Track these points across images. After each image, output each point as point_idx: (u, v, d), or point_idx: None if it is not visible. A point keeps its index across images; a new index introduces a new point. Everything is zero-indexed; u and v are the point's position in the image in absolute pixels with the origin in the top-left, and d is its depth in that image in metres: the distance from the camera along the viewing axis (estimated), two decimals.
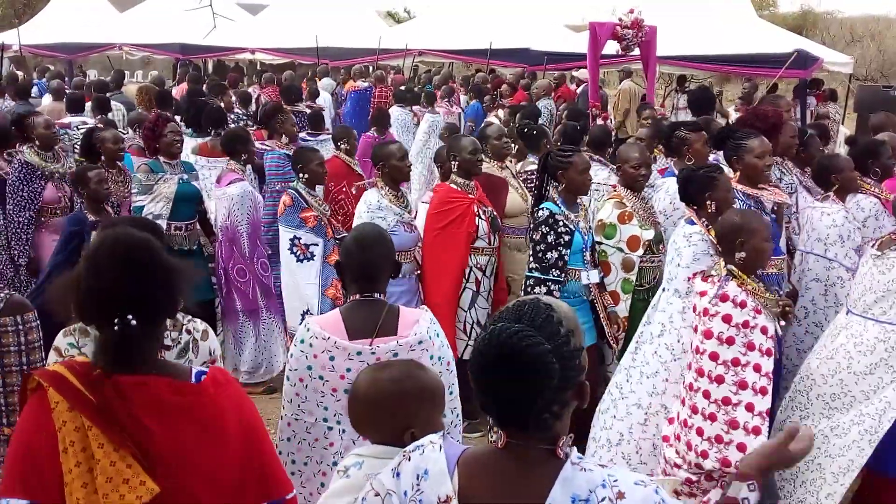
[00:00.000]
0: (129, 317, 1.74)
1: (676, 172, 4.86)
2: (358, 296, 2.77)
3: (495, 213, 4.97)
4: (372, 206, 4.72)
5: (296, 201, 4.94)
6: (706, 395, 3.31)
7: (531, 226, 4.29)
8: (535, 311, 1.57)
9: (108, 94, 10.15)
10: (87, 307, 1.78)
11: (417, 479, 1.60)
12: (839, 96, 14.05)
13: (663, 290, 4.00)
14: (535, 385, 1.51)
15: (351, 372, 2.64)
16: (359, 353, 2.64)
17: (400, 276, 4.53)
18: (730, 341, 3.28)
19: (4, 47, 15.14)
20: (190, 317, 2.65)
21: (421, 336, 2.69)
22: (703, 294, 3.42)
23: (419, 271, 4.89)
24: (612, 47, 9.99)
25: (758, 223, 3.46)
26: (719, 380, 3.28)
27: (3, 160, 5.91)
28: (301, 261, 4.85)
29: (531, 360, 1.50)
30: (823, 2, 29.56)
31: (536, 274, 4.28)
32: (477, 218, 4.77)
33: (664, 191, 4.85)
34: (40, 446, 1.74)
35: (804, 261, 4.62)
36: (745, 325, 3.28)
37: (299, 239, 4.87)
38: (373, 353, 2.64)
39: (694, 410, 3.35)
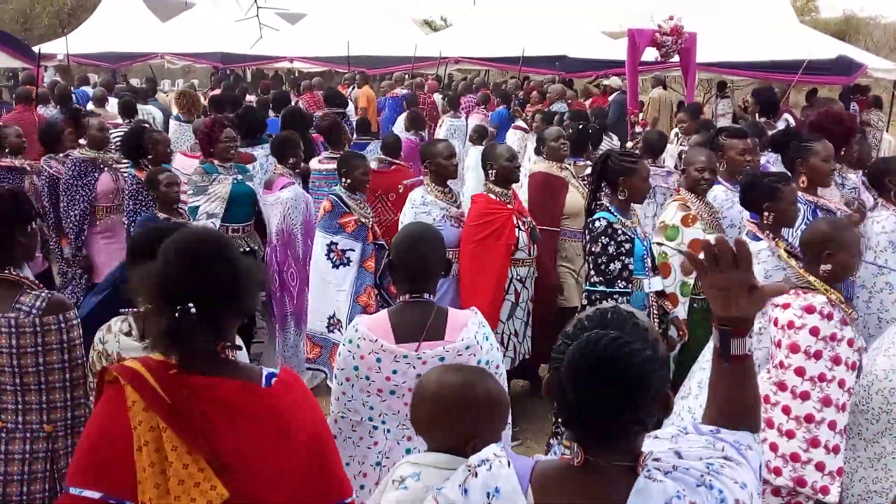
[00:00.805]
0: (190, 305, 1.77)
1: (721, 179, 4.79)
2: (407, 296, 2.75)
3: (534, 223, 4.90)
4: (416, 203, 4.76)
5: (336, 206, 4.94)
6: (786, 410, 3.18)
7: (588, 236, 4.18)
8: (620, 319, 1.54)
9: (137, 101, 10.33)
10: (155, 294, 1.81)
11: (488, 497, 1.56)
12: (884, 102, 13.78)
13: None
14: (633, 394, 1.46)
15: (397, 374, 2.65)
16: (405, 357, 2.63)
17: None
18: (817, 355, 3.14)
19: (49, 57, 15.48)
20: None
21: (469, 341, 2.66)
22: (785, 306, 3.25)
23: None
24: (650, 54, 9.92)
25: (850, 237, 3.29)
26: (804, 396, 3.15)
27: (56, 161, 6.06)
28: (336, 266, 4.84)
29: (633, 368, 1.46)
30: (866, 7, 28.98)
31: (602, 288, 4.11)
32: (516, 229, 4.68)
33: (710, 198, 4.75)
34: (115, 441, 1.77)
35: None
36: (833, 337, 3.15)
37: (336, 244, 4.86)
38: (419, 357, 2.63)
39: (769, 425, 3.21)
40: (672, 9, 9.74)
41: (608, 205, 4.22)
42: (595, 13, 16.69)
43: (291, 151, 5.64)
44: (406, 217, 4.67)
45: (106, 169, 5.82)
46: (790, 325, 3.20)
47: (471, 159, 9.06)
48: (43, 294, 2.68)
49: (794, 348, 3.17)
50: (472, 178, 8.95)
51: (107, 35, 19.31)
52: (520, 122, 10.21)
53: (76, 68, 18.34)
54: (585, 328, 1.54)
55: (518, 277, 4.76)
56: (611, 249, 4.09)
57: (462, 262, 4.77)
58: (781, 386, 3.20)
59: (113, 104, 10.31)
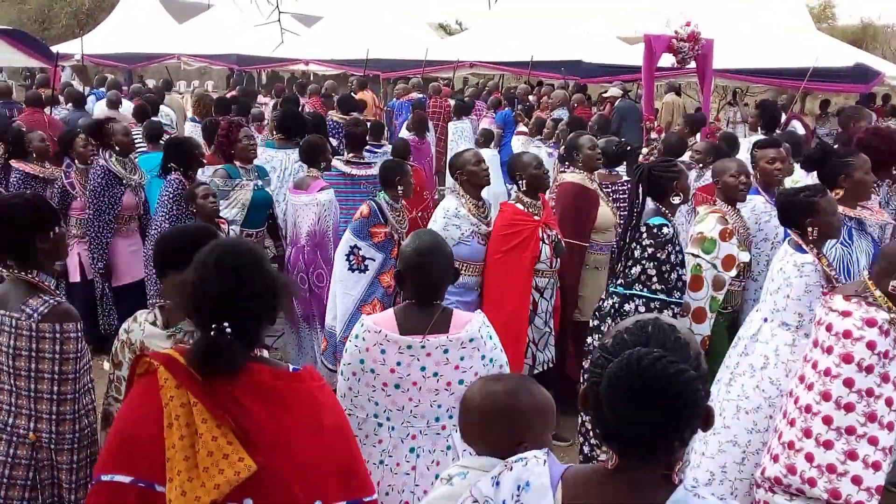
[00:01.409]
0: (225, 324, 1.81)
1: (759, 190, 4.71)
2: (414, 301, 2.81)
3: (562, 229, 4.85)
4: (449, 213, 4.63)
5: (373, 214, 4.83)
6: (827, 420, 3.11)
7: (652, 241, 4.07)
8: (662, 334, 1.52)
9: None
10: (192, 309, 1.86)
11: (518, 489, 1.57)
12: None
13: (764, 320, 3.78)
14: (676, 415, 1.43)
15: (401, 366, 2.68)
16: (409, 347, 2.68)
17: (465, 288, 4.55)
18: (869, 369, 3.06)
19: (66, 57, 15.59)
20: None
21: (473, 334, 2.70)
22: (846, 314, 3.15)
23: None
24: (666, 60, 9.89)
25: None
26: (849, 408, 3.08)
27: (74, 172, 6.03)
28: (353, 270, 4.81)
29: (677, 388, 1.43)
30: (884, 15, 28.83)
31: (662, 296, 4.03)
32: (541, 242, 4.63)
33: (749, 209, 4.62)
34: (146, 425, 1.81)
35: None
36: (886, 355, 3.06)
37: (359, 249, 4.81)
38: (423, 346, 2.68)
39: (807, 434, 3.15)
40: (688, 14, 9.71)
41: (664, 211, 4.14)
42: (610, 18, 16.68)
43: (322, 155, 5.68)
44: (436, 225, 4.56)
45: (129, 188, 5.84)
46: (847, 334, 3.11)
47: None
48: (51, 301, 2.63)
49: (847, 358, 3.10)
50: None
51: (123, 36, 19.47)
52: (522, 128, 10.25)
53: (92, 69, 18.49)
54: (626, 343, 1.51)
55: (537, 287, 4.71)
56: (673, 258, 4.05)
57: (487, 272, 4.71)
58: (826, 396, 3.12)
59: (126, 106, 10.38)
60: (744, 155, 7.02)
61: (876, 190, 4.64)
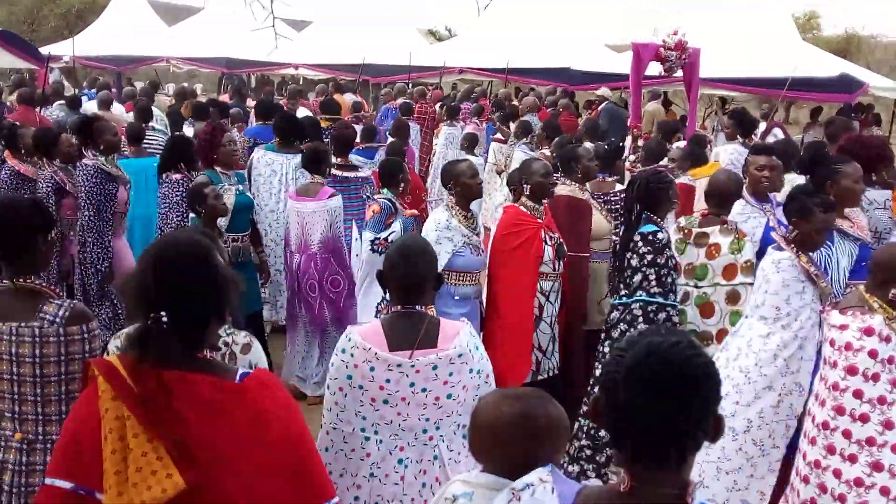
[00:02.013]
0: (162, 314, 1.81)
1: (744, 193, 4.82)
2: (400, 307, 2.78)
3: (562, 239, 4.90)
4: (440, 226, 4.59)
5: (385, 209, 5.08)
6: (846, 434, 3.12)
7: (650, 248, 4.19)
8: (675, 331, 1.54)
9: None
10: (133, 299, 1.86)
11: None
12: (883, 121, 13.87)
13: (746, 316, 3.90)
14: (692, 398, 1.44)
15: (390, 383, 2.66)
16: (399, 366, 2.65)
17: (464, 297, 4.59)
18: (875, 378, 3.08)
19: (55, 58, 15.55)
20: (233, 329, 2.68)
21: (461, 349, 2.70)
22: (843, 328, 3.19)
23: (482, 296, 4.85)
24: (654, 68, 9.99)
25: None
26: (864, 418, 3.09)
27: (63, 171, 6.00)
28: (381, 253, 4.85)
29: (695, 370, 1.44)
30: (868, 25, 29.14)
31: (659, 300, 4.15)
32: (544, 243, 4.70)
33: (736, 211, 4.72)
34: (87, 432, 1.80)
35: None
36: (891, 360, 3.08)
37: (380, 237, 4.98)
38: (412, 365, 2.65)
39: (831, 451, 3.16)
40: (675, 23, 9.81)
41: (657, 219, 4.30)
42: (598, 26, 16.78)
43: (325, 162, 5.70)
44: (428, 238, 4.47)
45: (121, 184, 5.81)
46: (848, 346, 3.14)
47: None
48: (66, 303, 2.65)
49: (851, 370, 3.12)
50: None
51: (113, 38, 19.42)
52: (498, 135, 10.35)
53: (81, 71, 18.44)
54: (646, 338, 1.51)
55: (542, 290, 4.76)
56: (669, 263, 4.20)
57: (492, 272, 4.77)
58: (840, 410, 3.14)
59: (117, 107, 10.40)
60: (724, 162, 7.18)
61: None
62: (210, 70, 20.16)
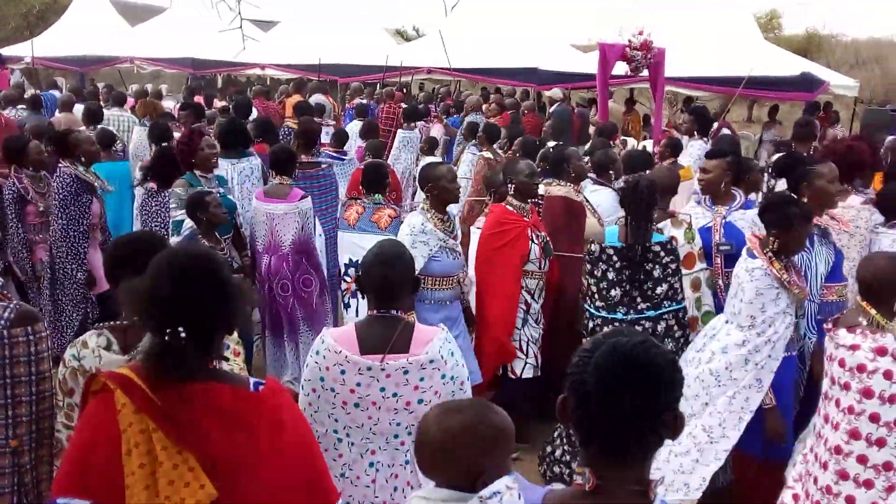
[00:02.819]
0: (180, 329, 1.79)
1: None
2: (375, 311, 2.78)
3: (556, 240, 4.93)
4: (415, 230, 4.51)
5: (367, 208, 5.22)
6: (862, 460, 3.01)
7: (672, 257, 4.21)
8: (638, 332, 1.59)
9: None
10: (147, 314, 1.82)
11: None
12: (843, 119, 14.14)
13: (725, 322, 3.91)
14: (659, 394, 1.49)
15: (361, 387, 2.67)
16: (369, 369, 2.66)
17: (443, 302, 4.56)
18: (892, 400, 2.95)
19: (16, 59, 15.31)
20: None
21: (433, 355, 2.70)
22: (854, 348, 3.06)
23: (464, 298, 4.84)
24: (620, 68, 10.09)
25: None
26: (880, 443, 2.97)
27: (28, 177, 5.90)
28: None
29: (661, 367, 1.49)
30: (828, 25, 29.67)
31: (684, 304, 4.27)
32: (530, 242, 4.72)
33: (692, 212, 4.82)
34: (102, 448, 1.78)
35: None
36: None
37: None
38: (383, 369, 2.66)
39: (843, 476, 3.05)
40: (640, 23, 9.92)
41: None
42: (564, 26, 16.90)
43: (292, 163, 5.69)
44: (403, 241, 4.48)
45: (94, 195, 5.77)
46: (861, 368, 3.03)
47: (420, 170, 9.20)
48: (11, 305, 2.58)
49: (867, 393, 3.01)
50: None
51: (75, 38, 19.15)
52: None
53: (42, 71, 18.15)
54: (611, 337, 1.55)
55: (527, 289, 4.80)
56: (672, 267, 4.26)
57: (478, 269, 4.80)
58: (854, 434, 3.04)
59: (78, 109, 10.25)
60: (690, 160, 7.30)
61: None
62: (175, 71, 19.95)
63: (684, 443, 3.83)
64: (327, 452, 2.75)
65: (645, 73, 9.95)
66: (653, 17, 11.40)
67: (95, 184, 5.75)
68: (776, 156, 6.12)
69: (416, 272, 4.29)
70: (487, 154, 8.02)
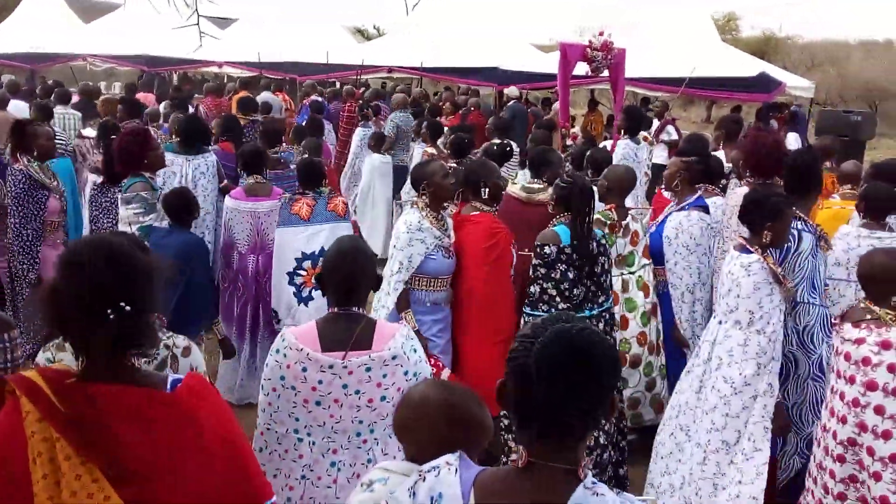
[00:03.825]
0: (122, 304, 1.73)
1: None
2: (336, 309, 2.75)
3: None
4: (412, 227, 4.39)
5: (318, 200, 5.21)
6: (870, 451, 3.04)
7: (604, 251, 4.26)
8: (576, 318, 1.62)
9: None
10: (73, 313, 1.75)
11: (431, 501, 1.61)
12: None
13: (719, 322, 3.90)
14: (597, 380, 1.53)
15: (322, 384, 2.64)
16: (331, 367, 2.63)
17: (435, 304, 4.43)
18: (895, 393, 3.01)
19: None
20: (171, 332, 2.61)
21: (395, 351, 2.68)
22: (859, 342, 3.11)
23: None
24: (581, 68, 10.11)
25: None
26: (886, 435, 3.00)
27: None
28: None
29: (604, 350, 1.54)
30: (784, 27, 30.26)
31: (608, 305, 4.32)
32: (511, 247, 4.61)
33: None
34: (12, 454, 1.71)
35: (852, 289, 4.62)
36: None
37: None
38: (345, 366, 2.63)
39: (861, 466, 3.10)
40: (598, 23, 9.96)
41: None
42: (525, 26, 16.98)
43: (263, 162, 5.68)
44: (400, 241, 4.37)
45: (52, 192, 5.62)
46: (866, 361, 3.07)
47: (367, 166, 9.23)
48: None
49: (871, 386, 3.04)
50: (364, 182, 9.15)
51: (25, 35, 18.65)
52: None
53: None
54: (549, 323, 1.59)
55: None
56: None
57: (475, 287, 4.52)
58: (862, 426, 3.08)
59: (16, 106, 9.97)
60: (617, 158, 7.38)
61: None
62: (129, 68, 19.59)
63: (725, 470, 3.77)
64: (288, 453, 2.73)
65: (605, 73, 9.97)
66: (612, 19, 11.44)
67: (50, 183, 5.61)
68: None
69: (412, 271, 4.34)
70: (431, 150, 7.98)
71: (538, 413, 1.54)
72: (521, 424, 1.59)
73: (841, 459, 3.16)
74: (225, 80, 17.87)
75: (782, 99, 14.08)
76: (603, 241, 4.25)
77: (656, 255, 4.87)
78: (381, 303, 4.39)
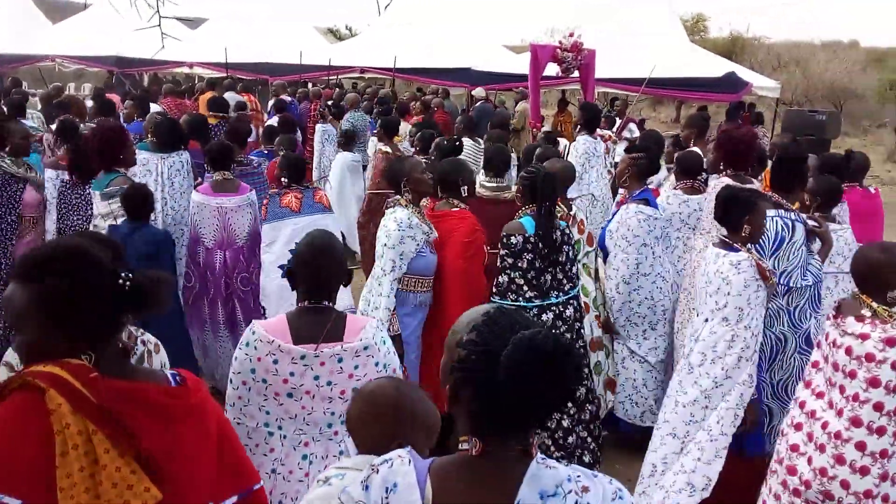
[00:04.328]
0: (123, 271, 1.76)
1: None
2: (306, 303, 2.75)
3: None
4: (403, 224, 4.32)
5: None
6: (860, 446, 3.04)
7: (567, 240, 4.35)
8: (512, 315, 1.62)
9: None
10: (95, 285, 1.75)
11: (386, 492, 1.61)
12: (766, 120, 14.58)
13: (705, 320, 3.94)
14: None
15: (294, 376, 2.64)
16: (303, 357, 2.63)
17: (420, 306, 4.43)
18: None
19: None
20: (142, 329, 2.62)
21: (367, 342, 2.70)
22: (863, 337, 3.07)
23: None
24: (551, 69, 10.18)
25: None
26: (881, 431, 3.01)
27: None
28: None
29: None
30: (751, 28, 30.67)
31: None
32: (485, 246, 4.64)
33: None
34: (30, 447, 1.70)
35: (841, 281, 4.76)
36: None
37: None
38: (317, 356, 2.64)
39: (840, 461, 3.09)
40: (569, 24, 10.03)
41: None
42: (497, 26, 17.02)
43: (230, 158, 5.70)
44: (391, 239, 4.31)
45: (29, 184, 5.61)
46: (869, 357, 3.04)
47: (336, 163, 9.26)
48: None
49: (874, 382, 3.03)
50: (335, 180, 9.19)
51: None
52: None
53: None
54: (492, 333, 1.57)
55: None
56: None
57: (450, 281, 4.51)
58: (856, 421, 3.06)
59: None
60: (576, 153, 7.50)
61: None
62: (99, 69, 19.36)
63: (688, 447, 3.89)
64: (258, 448, 2.72)
65: (576, 74, 10.05)
66: (583, 20, 11.54)
67: (27, 173, 5.61)
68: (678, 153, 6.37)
69: (404, 270, 4.32)
70: (385, 148, 8.03)
71: (500, 418, 1.55)
72: (477, 424, 1.59)
73: (822, 449, 3.17)
74: (196, 81, 17.75)
75: (750, 99, 14.28)
76: (567, 231, 4.30)
77: (604, 248, 5.04)
78: (373, 304, 4.32)
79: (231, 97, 11.91)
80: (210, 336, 5.54)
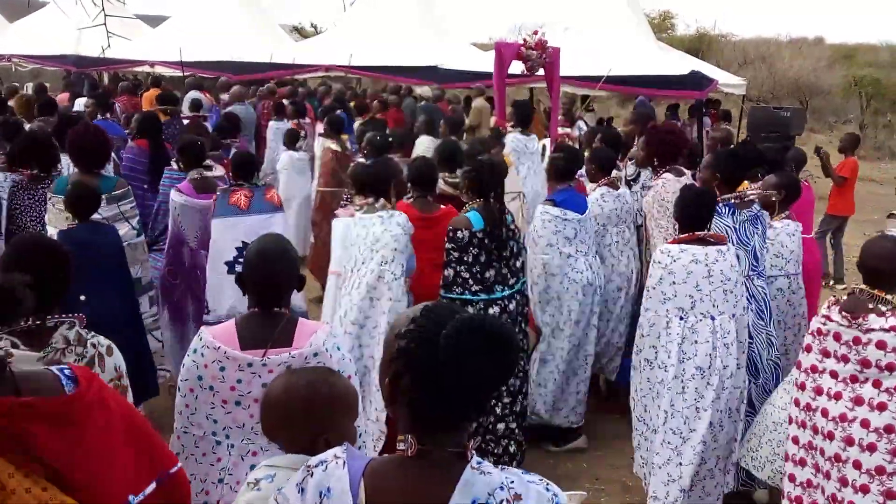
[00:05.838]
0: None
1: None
2: (256, 308, 2.69)
3: None
4: (408, 229, 4.40)
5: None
6: (864, 424, 3.11)
7: (513, 235, 4.48)
8: (447, 307, 1.64)
9: None
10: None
11: (320, 496, 1.58)
12: (733, 116, 14.65)
13: (711, 318, 3.95)
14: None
15: (241, 384, 2.58)
16: (249, 365, 2.59)
17: (410, 304, 4.40)
18: None
19: None
20: (93, 332, 2.55)
21: (317, 348, 2.63)
22: (894, 329, 3.10)
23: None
24: (516, 67, 10.11)
25: None
26: (881, 407, 3.08)
27: None
28: None
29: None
30: (718, 25, 30.93)
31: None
32: None
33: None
34: None
35: (794, 283, 4.91)
36: None
37: None
38: (264, 364, 2.58)
39: (843, 483, 3.14)
40: (537, 23, 9.96)
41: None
42: (464, 24, 17.03)
43: (204, 156, 5.72)
44: (399, 243, 4.32)
45: None
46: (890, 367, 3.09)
47: (282, 162, 9.21)
48: None
49: (890, 368, 3.07)
50: (283, 181, 9.14)
51: None
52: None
53: None
54: (429, 325, 1.56)
55: None
56: None
57: (424, 279, 4.57)
58: (858, 400, 3.13)
59: None
60: (507, 150, 7.52)
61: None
62: (57, 68, 18.97)
63: (662, 452, 4.00)
64: (206, 457, 2.68)
65: (541, 72, 9.99)
66: (548, 17, 11.46)
67: None
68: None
69: (407, 273, 4.32)
70: (333, 145, 7.91)
71: (440, 405, 1.55)
72: (411, 417, 1.59)
73: (872, 448, 3.11)
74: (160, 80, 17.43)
75: (716, 96, 14.33)
76: (513, 227, 4.36)
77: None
78: (382, 308, 4.27)
79: (193, 95, 11.74)
80: (193, 330, 5.45)
